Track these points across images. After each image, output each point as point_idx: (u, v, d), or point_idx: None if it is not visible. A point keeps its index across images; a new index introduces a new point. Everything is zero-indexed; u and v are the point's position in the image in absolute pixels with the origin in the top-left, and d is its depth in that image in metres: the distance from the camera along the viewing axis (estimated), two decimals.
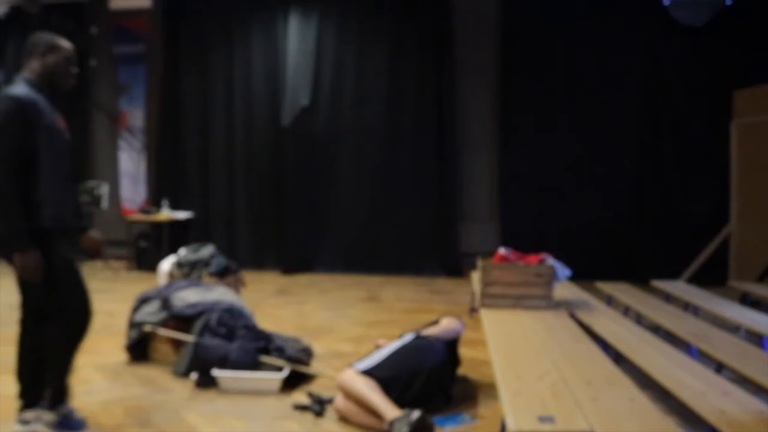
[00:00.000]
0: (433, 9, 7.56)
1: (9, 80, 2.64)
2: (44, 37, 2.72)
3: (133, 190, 8.30)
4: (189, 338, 3.65)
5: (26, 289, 2.66)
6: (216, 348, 3.53)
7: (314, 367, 3.69)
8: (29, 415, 2.67)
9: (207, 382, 3.41)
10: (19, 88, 2.57)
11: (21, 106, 2.51)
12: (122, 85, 8.34)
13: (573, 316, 3.91)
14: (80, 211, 2.87)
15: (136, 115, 8.33)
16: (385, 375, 2.92)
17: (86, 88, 8.45)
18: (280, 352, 3.54)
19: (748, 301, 5.20)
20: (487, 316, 3.68)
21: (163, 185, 8.11)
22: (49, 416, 2.65)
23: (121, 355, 3.91)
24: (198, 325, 3.72)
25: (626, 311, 4.67)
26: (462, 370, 3.57)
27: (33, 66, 2.68)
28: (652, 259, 6.95)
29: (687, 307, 4.70)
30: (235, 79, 7.99)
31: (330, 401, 3.09)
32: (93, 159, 8.63)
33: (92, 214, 7.55)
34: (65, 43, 2.75)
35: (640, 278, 5.96)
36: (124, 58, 8.29)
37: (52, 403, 2.66)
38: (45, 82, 2.67)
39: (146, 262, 7.47)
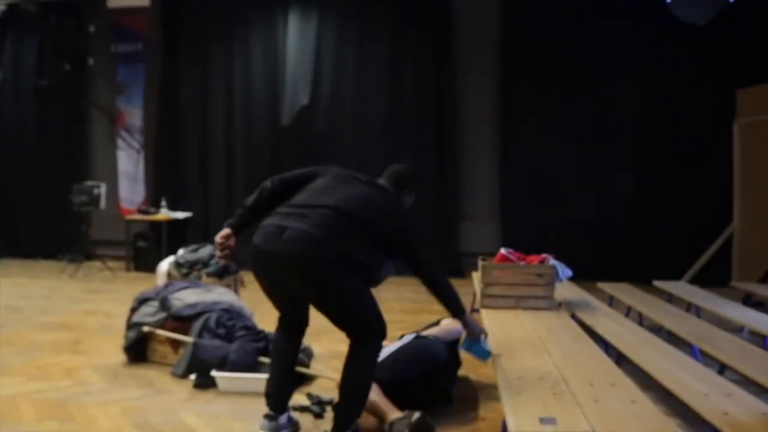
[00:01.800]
0: (433, 8, 7.54)
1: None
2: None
3: (131, 189, 8.27)
4: (188, 339, 3.63)
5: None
6: (215, 349, 3.51)
7: (314, 367, 3.66)
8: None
9: (206, 383, 3.39)
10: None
11: None
12: (120, 84, 8.32)
13: (574, 317, 3.89)
14: None
15: (134, 115, 8.30)
16: (385, 376, 2.89)
17: (84, 87, 8.44)
18: None
19: (750, 301, 5.18)
20: (487, 316, 3.66)
21: (162, 185, 8.08)
22: None
23: (120, 356, 3.88)
24: (197, 325, 3.70)
25: (628, 312, 4.65)
26: (463, 371, 3.55)
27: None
28: (654, 260, 6.92)
29: (689, 307, 4.68)
30: (234, 78, 7.97)
31: (330, 402, 3.07)
32: (91, 158, 8.61)
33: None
34: None
35: (642, 279, 5.93)
36: (123, 57, 8.26)
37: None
38: None
39: (145, 263, 7.44)
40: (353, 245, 2.50)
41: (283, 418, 2.75)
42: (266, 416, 2.73)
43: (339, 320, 2.62)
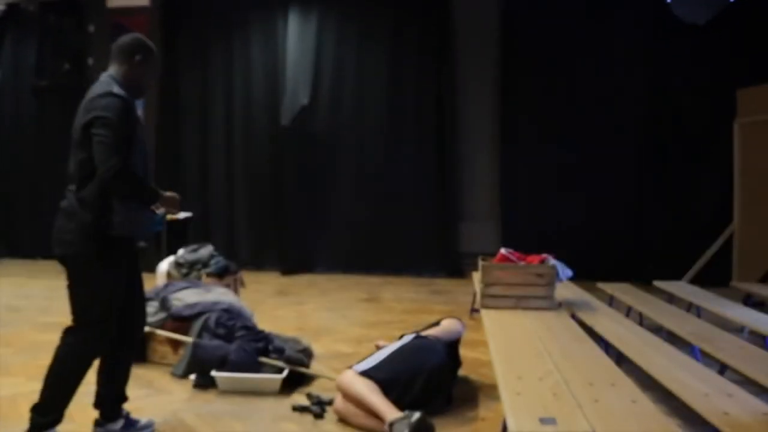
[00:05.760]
0: (433, 8, 7.54)
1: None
2: (135, 41, 2.69)
3: None
4: (188, 339, 3.63)
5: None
6: (215, 349, 3.51)
7: (314, 368, 3.66)
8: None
9: (206, 383, 3.39)
10: (117, 88, 2.55)
11: (129, 104, 2.56)
12: None
13: (574, 317, 3.89)
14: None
15: None
16: (385, 376, 2.89)
17: (84, 87, 8.41)
18: (279, 352, 3.52)
19: (751, 301, 5.19)
20: (487, 316, 3.66)
21: (162, 185, 8.07)
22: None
23: None
24: (197, 325, 3.70)
25: (628, 312, 4.65)
26: (463, 371, 3.55)
27: (121, 69, 2.65)
28: (655, 260, 6.92)
29: (690, 307, 4.68)
30: (235, 78, 7.96)
31: (330, 402, 3.07)
32: None
33: None
34: (154, 49, 2.74)
35: (642, 279, 5.93)
36: None
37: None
38: (128, 85, 2.64)
39: (144, 263, 7.40)
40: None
41: (114, 426, 2.78)
42: (96, 422, 2.78)
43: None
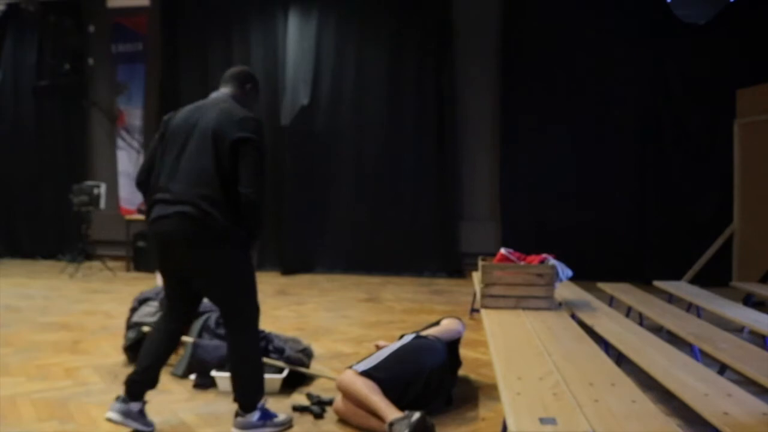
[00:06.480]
0: (433, 8, 7.54)
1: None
2: (247, 72, 2.95)
3: (131, 190, 8.27)
4: (188, 339, 3.63)
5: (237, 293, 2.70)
6: (215, 349, 3.50)
7: (314, 368, 3.66)
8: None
9: (206, 383, 3.38)
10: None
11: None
12: (120, 83, 8.32)
13: (574, 317, 3.89)
14: None
15: (134, 114, 8.31)
16: (385, 376, 2.89)
17: (84, 87, 8.44)
18: (279, 352, 3.52)
19: (751, 301, 5.19)
20: (487, 316, 3.66)
21: None
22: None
23: (120, 356, 3.89)
24: (197, 325, 3.69)
25: (628, 312, 4.65)
26: (463, 371, 3.54)
27: (237, 93, 2.85)
28: (655, 260, 6.92)
29: (690, 307, 4.68)
30: None
31: (330, 402, 3.07)
32: (91, 158, 8.61)
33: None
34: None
35: (642, 279, 5.94)
36: (123, 57, 8.27)
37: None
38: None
39: (144, 263, 7.44)
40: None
41: (134, 406, 2.71)
42: (118, 398, 2.71)
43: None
